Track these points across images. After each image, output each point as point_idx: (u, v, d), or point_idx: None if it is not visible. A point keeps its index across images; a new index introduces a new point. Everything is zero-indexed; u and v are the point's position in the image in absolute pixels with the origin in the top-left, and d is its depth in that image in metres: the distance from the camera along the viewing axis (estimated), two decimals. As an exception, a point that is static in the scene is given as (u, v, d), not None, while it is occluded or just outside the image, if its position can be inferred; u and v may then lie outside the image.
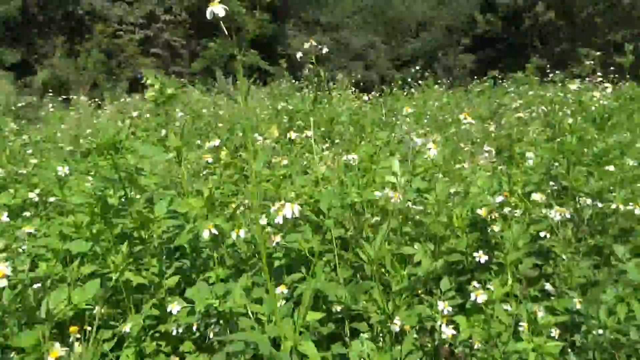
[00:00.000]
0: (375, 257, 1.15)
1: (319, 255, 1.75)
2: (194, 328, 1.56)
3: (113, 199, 1.61)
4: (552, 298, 1.78)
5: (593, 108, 2.28)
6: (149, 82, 0.74)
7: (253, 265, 1.79)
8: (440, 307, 1.39)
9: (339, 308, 1.48)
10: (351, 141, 3.34)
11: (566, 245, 1.81)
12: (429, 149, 1.14)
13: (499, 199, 1.57)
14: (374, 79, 21.94)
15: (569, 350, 1.37)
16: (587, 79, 6.29)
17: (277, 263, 1.79)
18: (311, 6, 23.06)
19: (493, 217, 1.66)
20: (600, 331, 1.39)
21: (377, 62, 22.86)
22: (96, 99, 9.59)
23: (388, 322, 1.33)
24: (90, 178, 2.17)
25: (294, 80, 8.90)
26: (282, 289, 1.29)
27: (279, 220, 1.05)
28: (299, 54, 2.17)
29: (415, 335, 1.47)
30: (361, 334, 1.48)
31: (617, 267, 1.66)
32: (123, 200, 1.57)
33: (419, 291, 1.77)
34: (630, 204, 1.64)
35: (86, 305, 1.32)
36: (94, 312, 1.39)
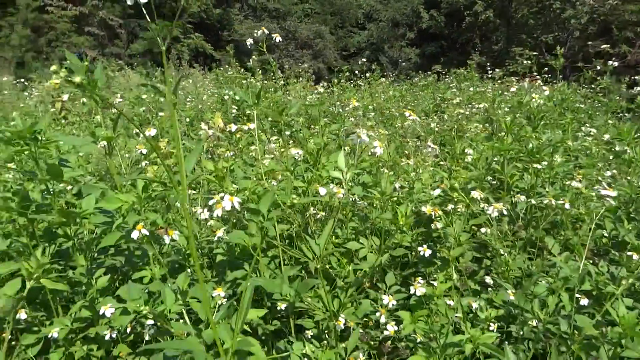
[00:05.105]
0: (320, 254, 1.11)
1: (263, 252, 1.70)
2: (128, 330, 1.47)
3: (35, 193, 1.46)
4: (491, 290, 1.85)
5: (528, 107, 2.38)
6: (52, 68, 0.64)
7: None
8: (385, 301, 1.39)
9: (283, 306, 1.44)
10: (301, 133, 3.28)
11: (502, 239, 1.88)
12: (375, 147, 1.13)
13: (437, 191, 1.59)
14: (322, 68, 21.94)
15: (506, 341, 1.42)
16: (525, 78, 6.62)
17: (219, 258, 1.72)
18: (258, -8, 22.56)
19: (437, 215, 1.68)
20: (535, 322, 1.45)
21: (325, 51, 22.85)
22: (22, 79, 8.77)
23: (332, 319, 1.31)
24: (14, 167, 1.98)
25: (240, 68, 8.68)
26: (218, 291, 1.23)
27: (217, 213, 0.98)
28: (249, 41, 2.06)
29: (361, 331, 1.47)
30: (306, 332, 1.46)
31: (548, 260, 1.75)
32: (44, 194, 1.42)
33: (366, 286, 1.77)
34: (562, 199, 1.72)
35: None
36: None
